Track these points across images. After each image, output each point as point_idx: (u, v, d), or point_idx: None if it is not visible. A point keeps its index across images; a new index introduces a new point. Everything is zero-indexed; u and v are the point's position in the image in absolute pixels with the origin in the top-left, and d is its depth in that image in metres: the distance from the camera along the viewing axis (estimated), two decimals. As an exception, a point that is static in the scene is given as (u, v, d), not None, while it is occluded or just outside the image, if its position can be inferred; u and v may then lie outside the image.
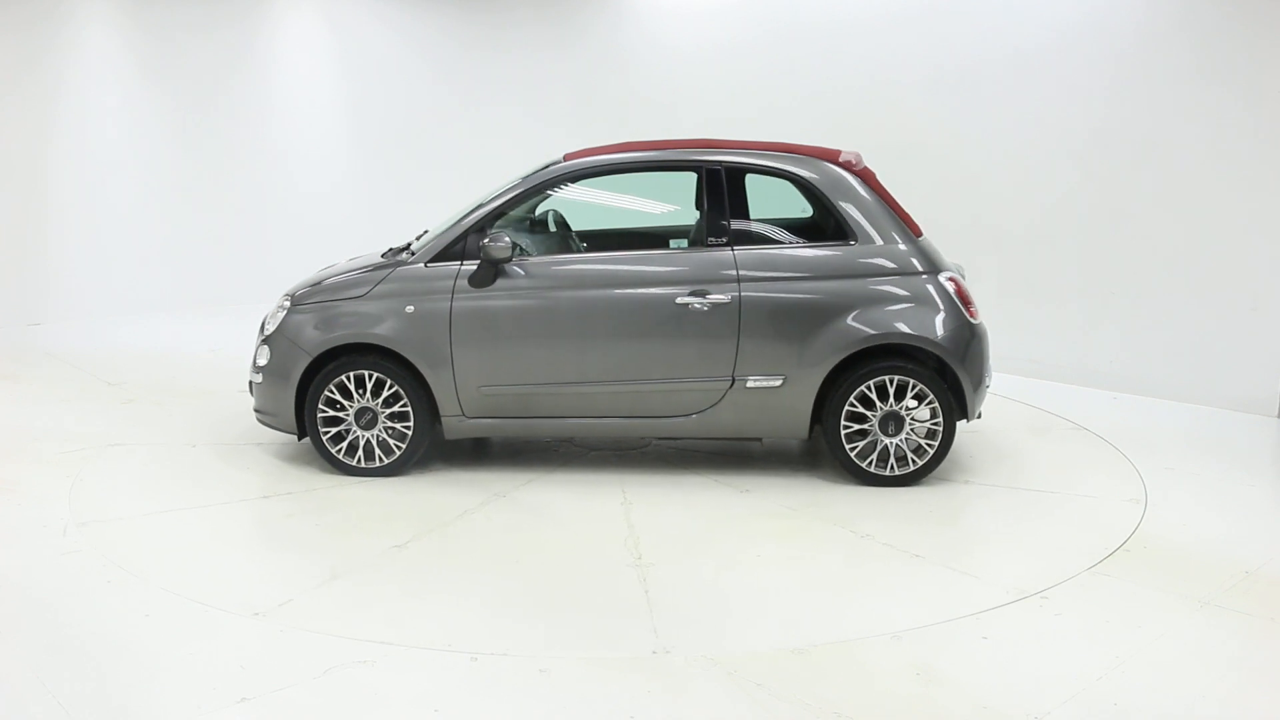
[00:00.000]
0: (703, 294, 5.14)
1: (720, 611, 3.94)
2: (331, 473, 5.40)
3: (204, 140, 10.28)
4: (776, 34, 8.89)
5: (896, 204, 5.34)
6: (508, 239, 5.12)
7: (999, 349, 5.92)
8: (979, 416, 5.42)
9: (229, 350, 8.38)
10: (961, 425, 5.61)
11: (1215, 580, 4.17)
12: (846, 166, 5.31)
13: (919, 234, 5.31)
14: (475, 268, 5.22)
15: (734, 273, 5.17)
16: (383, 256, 5.56)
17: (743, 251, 5.21)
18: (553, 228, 5.85)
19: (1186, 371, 6.94)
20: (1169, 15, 6.86)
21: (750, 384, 5.17)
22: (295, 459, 5.65)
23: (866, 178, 5.34)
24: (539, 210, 5.83)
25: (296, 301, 5.46)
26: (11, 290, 9.28)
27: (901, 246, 5.19)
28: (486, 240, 5.12)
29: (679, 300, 5.15)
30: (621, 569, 4.29)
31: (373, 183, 11.38)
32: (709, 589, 4.13)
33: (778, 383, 5.15)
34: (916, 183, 7.31)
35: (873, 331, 5.08)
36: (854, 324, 5.10)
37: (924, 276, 5.16)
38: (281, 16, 10.73)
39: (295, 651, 3.57)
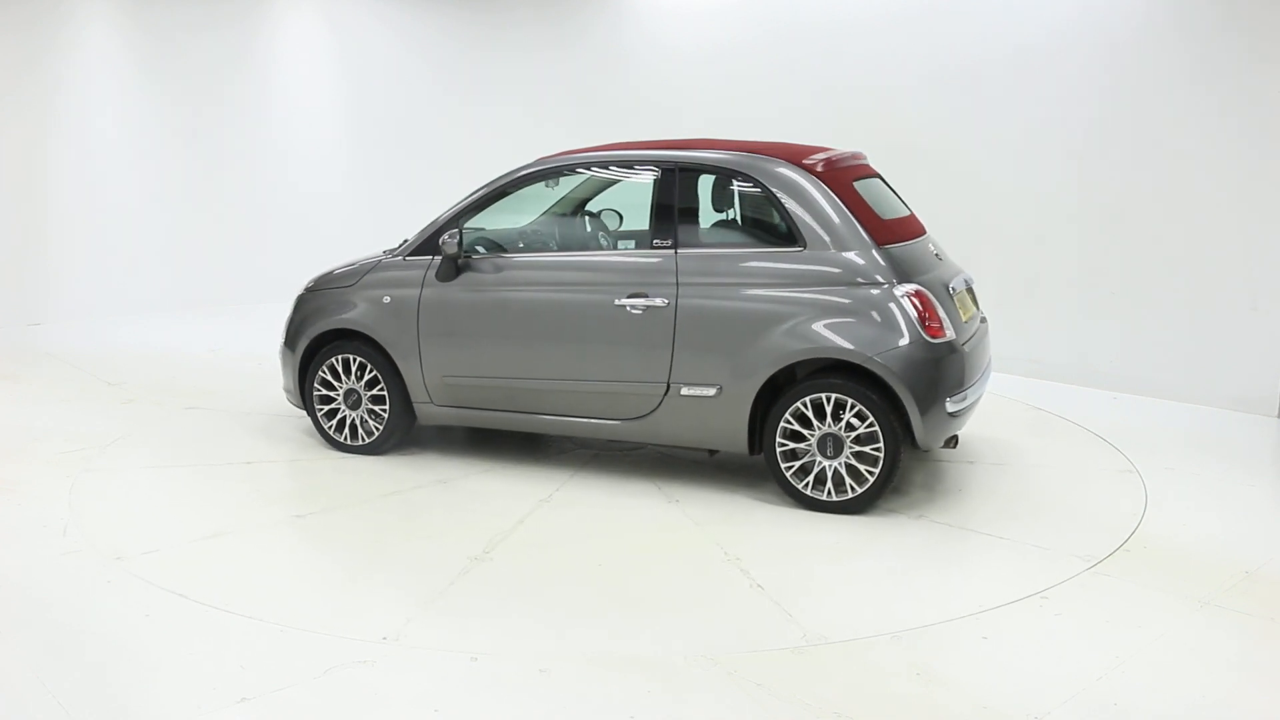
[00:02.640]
0: (641, 296, 5.04)
1: (484, 612, 3.92)
2: (323, 447, 5.80)
3: (204, 140, 10.28)
4: (776, 34, 8.89)
5: (867, 208, 4.98)
6: (457, 237, 5.34)
7: (999, 349, 5.91)
8: (952, 445, 5.04)
9: (229, 350, 8.39)
10: (966, 430, 5.58)
11: (1215, 580, 4.17)
12: (809, 169, 5.00)
13: (919, 235, 5.17)
14: (440, 262, 5.47)
15: (674, 276, 5.02)
16: (384, 253, 5.83)
17: (685, 254, 5.04)
18: (589, 225, 5.92)
19: (1186, 371, 6.94)
20: (1168, 15, 6.86)
21: (685, 392, 4.99)
22: (313, 432, 5.97)
23: (832, 180, 4.99)
24: (589, 206, 5.93)
25: (308, 288, 5.96)
26: (11, 290, 9.27)
27: (856, 255, 4.81)
28: (444, 237, 5.37)
29: (617, 302, 5.09)
30: (460, 561, 4.35)
31: (372, 183, 11.38)
32: (503, 589, 4.12)
33: (712, 392, 4.94)
34: (916, 183, 7.31)
35: (806, 345, 4.76)
36: (790, 336, 4.79)
37: (879, 288, 4.75)
38: (281, 16, 10.73)
39: (295, 651, 3.57)
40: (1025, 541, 4.58)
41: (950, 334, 4.81)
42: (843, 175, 5.10)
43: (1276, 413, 6.60)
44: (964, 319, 5.06)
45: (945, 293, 4.98)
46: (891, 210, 5.28)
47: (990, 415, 6.19)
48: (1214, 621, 3.84)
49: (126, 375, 7.46)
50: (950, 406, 4.79)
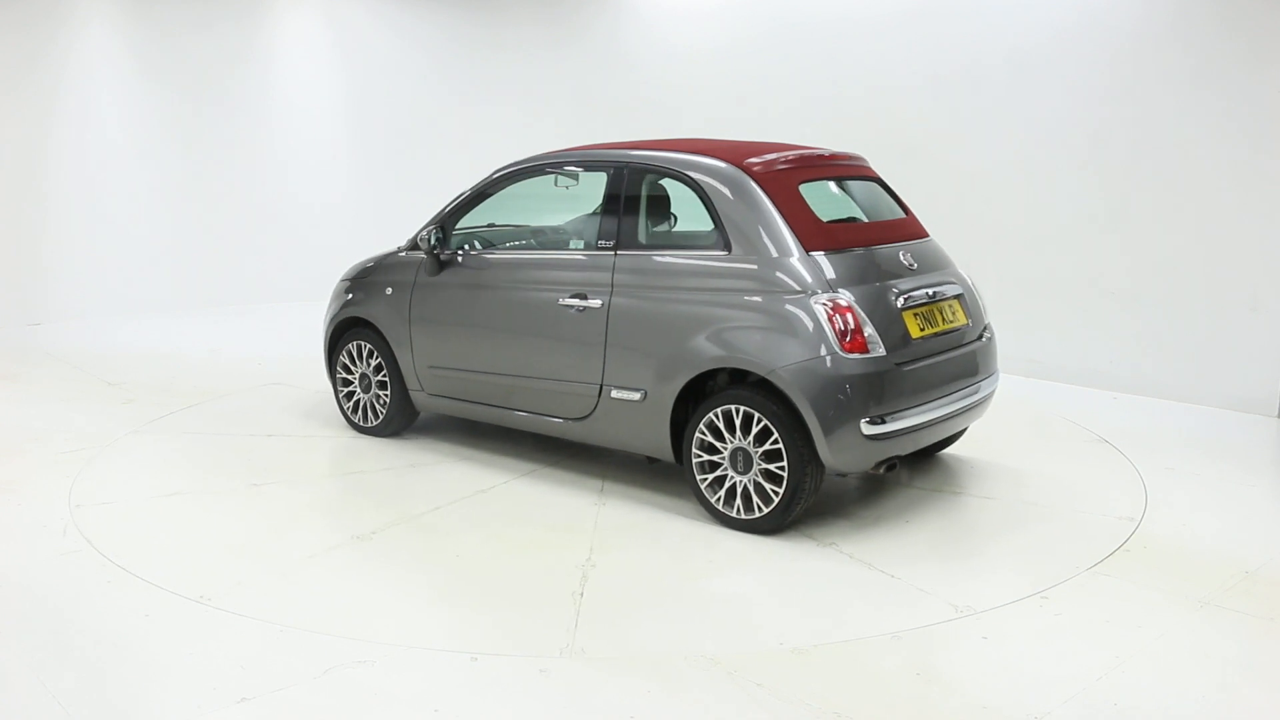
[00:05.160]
0: (582, 297, 5.04)
1: (310, 585, 4.12)
2: (341, 426, 6.25)
3: (204, 139, 10.28)
4: (776, 34, 8.89)
5: (805, 212, 4.68)
6: (433, 234, 5.60)
7: (999, 349, 5.88)
8: (881, 470, 4.59)
9: (228, 351, 8.39)
10: (971, 432, 5.52)
11: (1215, 580, 4.17)
12: (747, 169, 4.75)
13: (886, 241, 4.90)
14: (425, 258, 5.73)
15: (610, 277, 4.98)
16: (398, 248, 6.09)
17: (623, 256, 4.98)
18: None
19: (1186, 371, 6.94)
20: (1168, 16, 6.86)
21: (614, 395, 4.93)
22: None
23: (770, 181, 4.72)
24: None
25: (343, 278, 6.26)
26: (11, 290, 9.28)
27: (779, 260, 4.53)
28: (420, 235, 5.68)
29: (560, 302, 5.11)
30: (339, 539, 4.57)
31: (372, 182, 11.39)
32: (347, 568, 4.29)
33: (637, 397, 4.85)
34: (916, 183, 7.31)
35: (717, 353, 4.57)
36: (704, 343, 4.61)
37: (797, 296, 4.45)
38: (281, 15, 10.73)
39: (295, 651, 3.57)
40: (909, 583, 4.14)
41: (877, 350, 4.45)
42: (786, 177, 4.80)
43: (1276, 413, 6.60)
44: (920, 333, 4.68)
45: (889, 305, 4.60)
46: (856, 215, 5.13)
47: (990, 416, 6.18)
48: (1214, 621, 3.84)
49: (126, 375, 7.46)
50: (868, 429, 4.40)
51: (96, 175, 9.70)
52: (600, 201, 5.24)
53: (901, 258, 4.89)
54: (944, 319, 4.89)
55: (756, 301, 4.55)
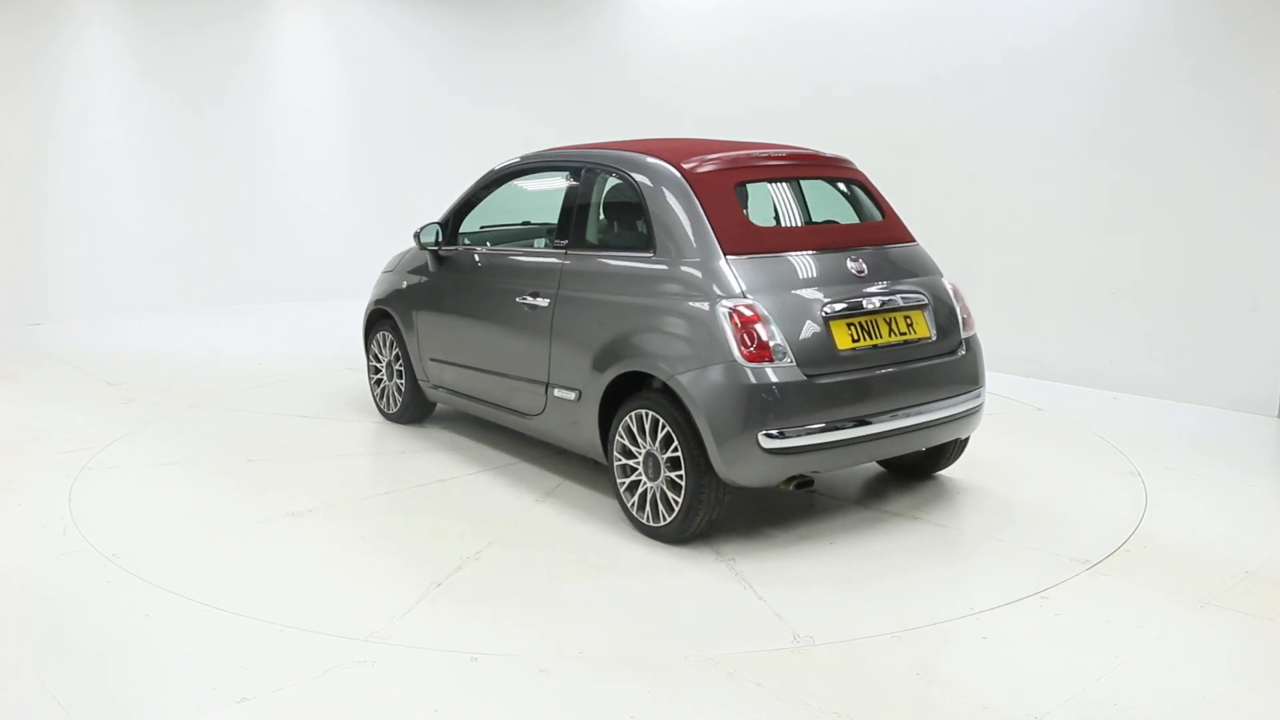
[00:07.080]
0: (536, 295, 5.07)
1: (215, 551, 4.41)
2: (369, 411, 6.58)
3: (204, 139, 10.29)
4: (776, 34, 8.90)
5: (735, 215, 4.49)
6: (428, 232, 5.82)
7: (999, 349, 5.87)
8: (793, 487, 4.31)
9: (228, 351, 8.39)
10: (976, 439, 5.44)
11: (1215, 580, 4.17)
12: (684, 170, 4.59)
13: (840, 245, 4.64)
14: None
15: (559, 278, 4.99)
16: None
17: (571, 255, 4.98)
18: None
19: (1186, 371, 6.94)
20: (1168, 16, 6.86)
21: (556, 394, 4.93)
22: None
23: (703, 182, 4.54)
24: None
25: (383, 270, 6.48)
26: (11, 290, 9.28)
27: (696, 263, 4.38)
28: (415, 231, 5.90)
29: (517, 300, 5.17)
30: (274, 514, 4.80)
31: (372, 182, 11.39)
32: (257, 541, 4.53)
33: (573, 397, 4.83)
34: (916, 183, 7.32)
35: (630, 357, 4.49)
36: (621, 345, 4.54)
37: (707, 301, 4.29)
38: (281, 15, 10.74)
39: (295, 651, 3.57)
40: (769, 606, 3.89)
41: (784, 360, 4.19)
42: (722, 178, 4.59)
43: (1276, 413, 6.60)
44: (851, 345, 4.37)
45: (810, 314, 4.32)
46: (829, 218, 5.03)
47: (990, 416, 6.18)
48: (1214, 621, 3.84)
49: (126, 375, 7.46)
50: (768, 443, 4.14)
51: (96, 175, 9.71)
52: (561, 202, 5.27)
53: (848, 264, 4.57)
54: (893, 330, 4.54)
55: (669, 305, 4.42)
